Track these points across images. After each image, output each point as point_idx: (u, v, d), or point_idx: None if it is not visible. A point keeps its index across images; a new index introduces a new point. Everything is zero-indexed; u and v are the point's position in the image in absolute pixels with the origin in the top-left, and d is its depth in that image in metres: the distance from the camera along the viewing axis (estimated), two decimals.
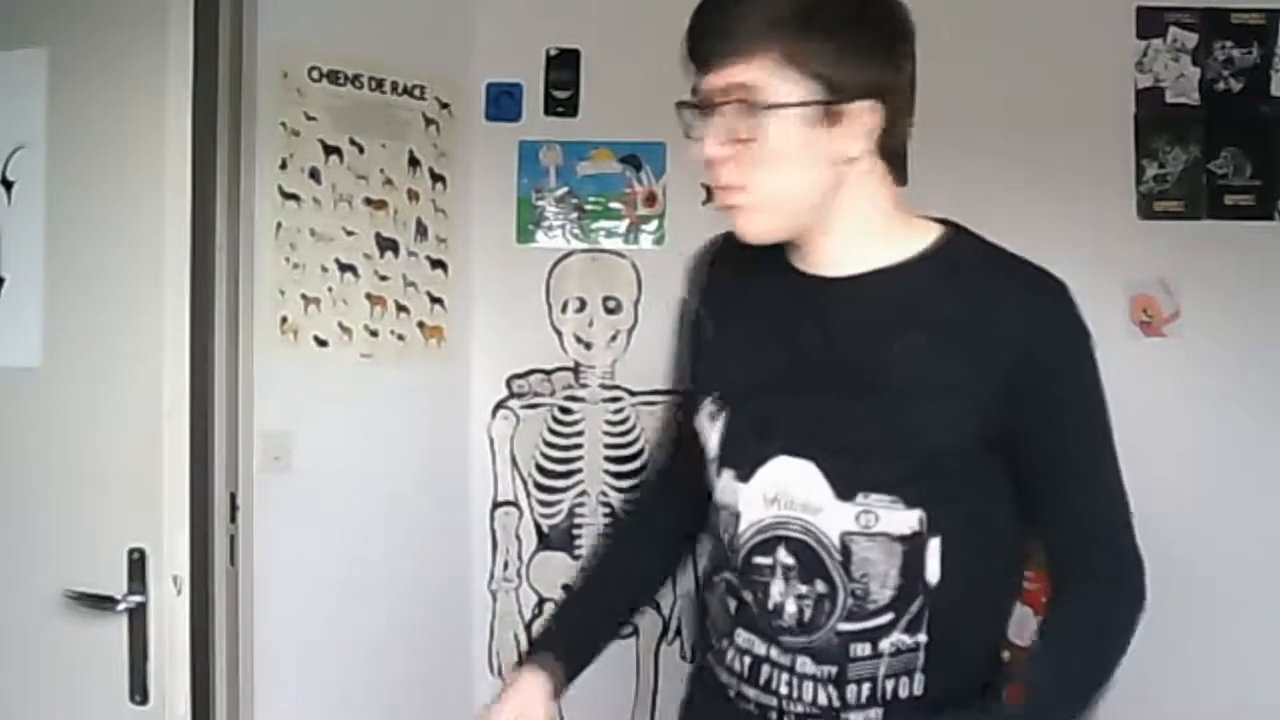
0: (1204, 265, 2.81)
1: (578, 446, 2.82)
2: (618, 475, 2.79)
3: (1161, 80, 2.84)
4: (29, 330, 1.91)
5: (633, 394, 2.79)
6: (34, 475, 1.90)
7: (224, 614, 2.40)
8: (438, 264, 2.71)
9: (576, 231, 2.84)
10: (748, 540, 1.33)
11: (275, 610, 2.38)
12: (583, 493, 2.82)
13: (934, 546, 1.29)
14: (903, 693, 1.30)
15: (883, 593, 1.29)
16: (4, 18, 1.93)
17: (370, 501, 2.55)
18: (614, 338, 2.83)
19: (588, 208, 2.83)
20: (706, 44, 1.25)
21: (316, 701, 2.44)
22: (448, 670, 2.76)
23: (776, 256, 1.36)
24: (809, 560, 1.30)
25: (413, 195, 2.66)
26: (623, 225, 2.83)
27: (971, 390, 1.26)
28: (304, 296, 2.46)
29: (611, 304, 2.83)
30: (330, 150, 2.51)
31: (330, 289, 2.51)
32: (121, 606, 1.77)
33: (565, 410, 2.82)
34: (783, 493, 1.31)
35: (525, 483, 2.83)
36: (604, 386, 2.82)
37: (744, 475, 1.34)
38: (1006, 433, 1.28)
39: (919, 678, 1.31)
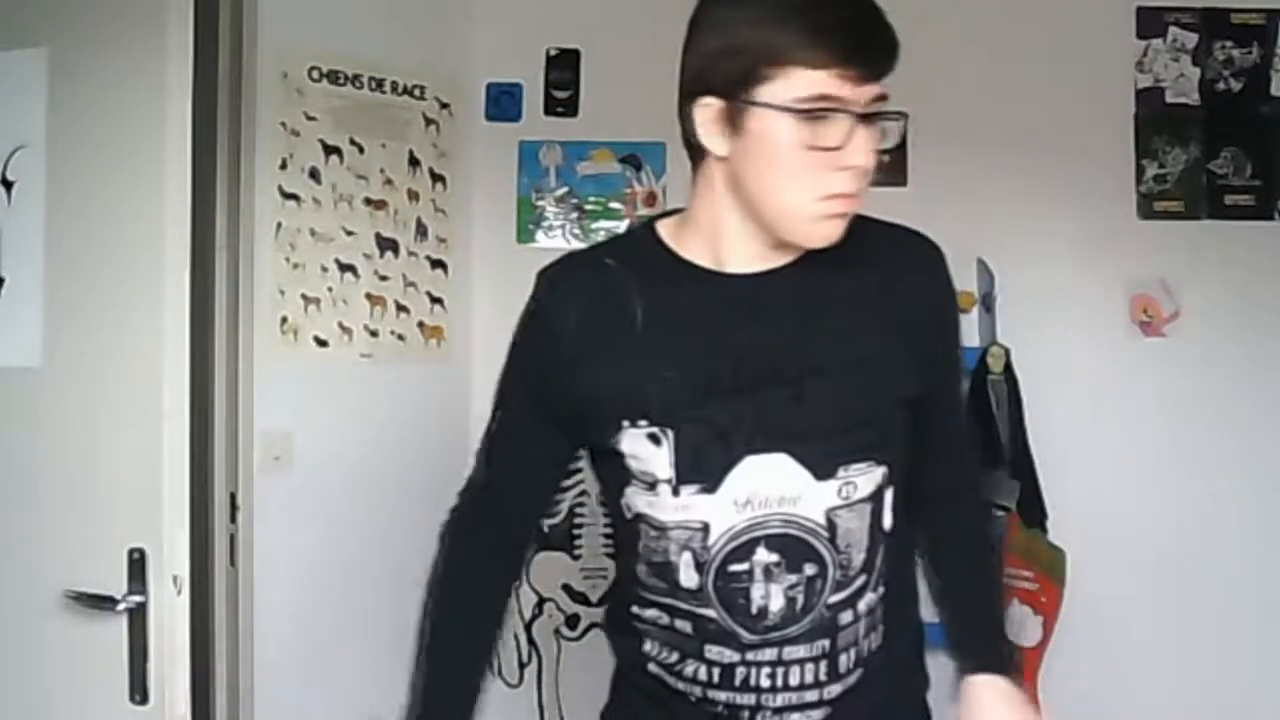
0: (1204, 265, 2.81)
1: None
2: None
3: (1161, 80, 2.84)
4: (29, 330, 1.90)
5: None
6: (34, 475, 1.90)
7: (224, 614, 2.40)
8: (438, 264, 2.71)
9: (576, 231, 2.84)
10: (720, 550, 1.32)
11: (275, 610, 2.38)
12: (583, 493, 2.81)
13: (889, 496, 1.36)
14: (873, 647, 1.37)
15: (859, 556, 1.34)
16: (4, 18, 1.93)
17: (370, 501, 2.55)
18: None
19: (588, 208, 2.84)
20: (879, 53, 1.24)
21: (316, 701, 2.44)
22: None
23: (665, 262, 1.36)
24: (794, 549, 1.31)
25: (413, 195, 2.66)
26: (623, 225, 2.83)
27: (896, 355, 1.34)
28: (304, 296, 2.46)
29: None
30: (330, 150, 2.51)
31: (330, 289, 2.51)
32: (121, 606, 1.77)
33: None
34: (755, 493, 1.31)
35: None
36: None
37: (710, 486, 1.31)
38: (923, 381, 1.38)
39: (879, 629, 1.38)
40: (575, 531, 2.81)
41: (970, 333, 2.75)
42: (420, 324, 2.68)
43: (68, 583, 1.81)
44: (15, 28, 1.92)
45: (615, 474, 1.39)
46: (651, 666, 1.42)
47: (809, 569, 1.31)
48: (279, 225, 2.43)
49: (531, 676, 2.82)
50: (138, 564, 1.77)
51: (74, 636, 1.82)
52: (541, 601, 2.82)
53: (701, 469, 1.31)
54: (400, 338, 2.64)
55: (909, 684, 1.46)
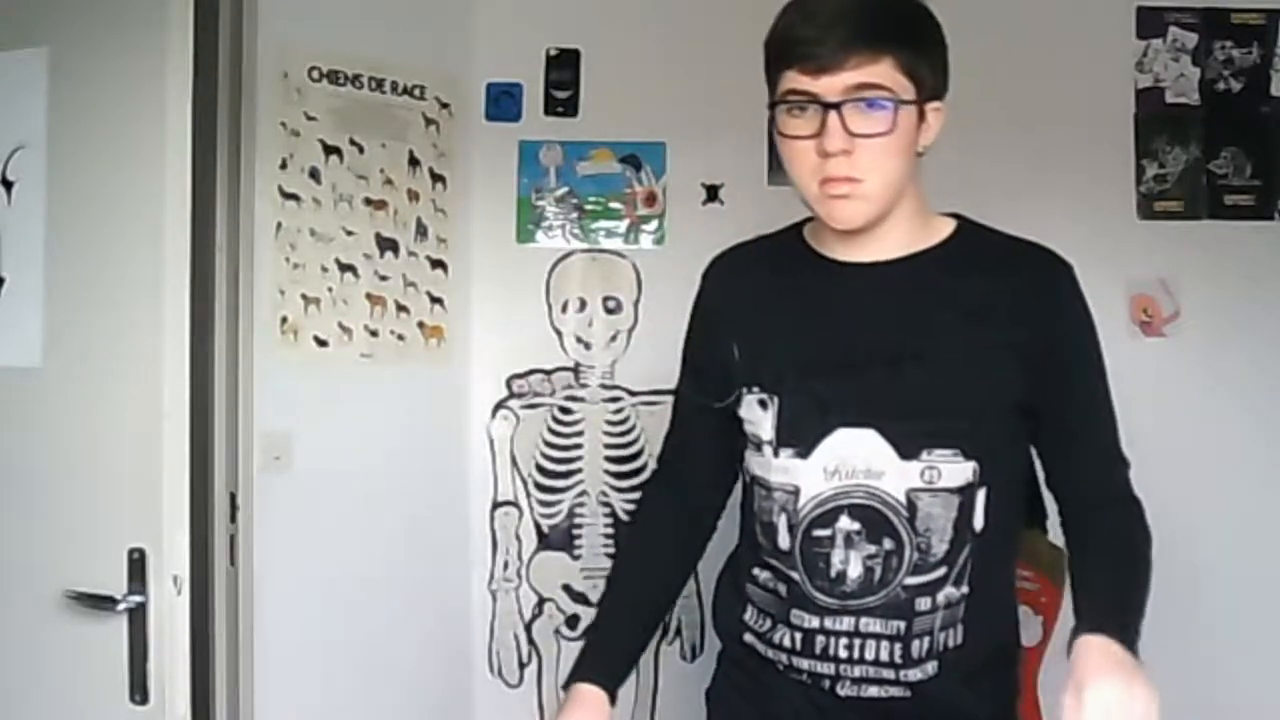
0: (1204, 265, 2.81)
1: (578, 447, 2.82)
2: (618, 475, 2.79)
3: (1161, 80, 2.84)
4: (29, 330, 1.90)
5: (633, 394, 2.79)
6: (34, 475, 1.90)
7: (224, 614, 2.40)
8: (438, 264, 2.71)
9: (576, 231, 2.84)
10: (807, 514, 1.43)
11: (275, 610, 2.38)
12: (583, 493, 2.82)
13: (981, 496, 1.43)
14: (951, 643, 1.43)
15: (940, 545, 1.41)
16: (4, 18, 1.93)
17: (370, 501, 2.55)
18: (614, 338, 2.83)
19: (588, 208, 2.83)
20: (829, 48, 1.34)
21: (316, 701, 2.44)
22: (448, 670, 2.76)
23: (798, 253, 1.53)
24: (875, 521, 1.41)
25: (413, 195, 2.66)
26: (623, 225, 2.83)
27: (998, 360, 1.41)
28: (304, 296, 2.46)
29: (611, 304, 2.83)
30: (330, 150, 2.51)
31: (330, 289, 2.51)
32: (121, 606, 1.77)
33: (565, 410, 2.82)
34: (843, 463, 1.41)
35: (525, 483, 2.83)
36: (604, 386, 2.82)
37: (803, 452, 1.43)
38: (1036, 394, 1.44)
39: (959, 628, 1.44)
40: (575, 531, 2.82)
41: None
42: (420, 324, 2.68)
43: (68, 583, 1.81)
44: (15, 27, 1.92)
45: (740, 438, 1.52)
46: (747, 636, 1.54)
47: (887, 543, 1.40)
48: (279, 225, 2.43)
49: (531, 676, 2.82)
50: (138, 564, 1.77)
51: (74, 636, 1.82)
52: (541, 601, 2.82)
53: (798, 435, 1.44)
54: (400, 338, 2.64)
55: (989, 699, 1.49)
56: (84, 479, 1.85)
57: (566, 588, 2.83)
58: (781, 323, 1.50)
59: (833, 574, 1.42)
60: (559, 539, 2.82)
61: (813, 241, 1.53)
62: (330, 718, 2.46)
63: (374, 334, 2.58)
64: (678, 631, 2.80)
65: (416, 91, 2.68)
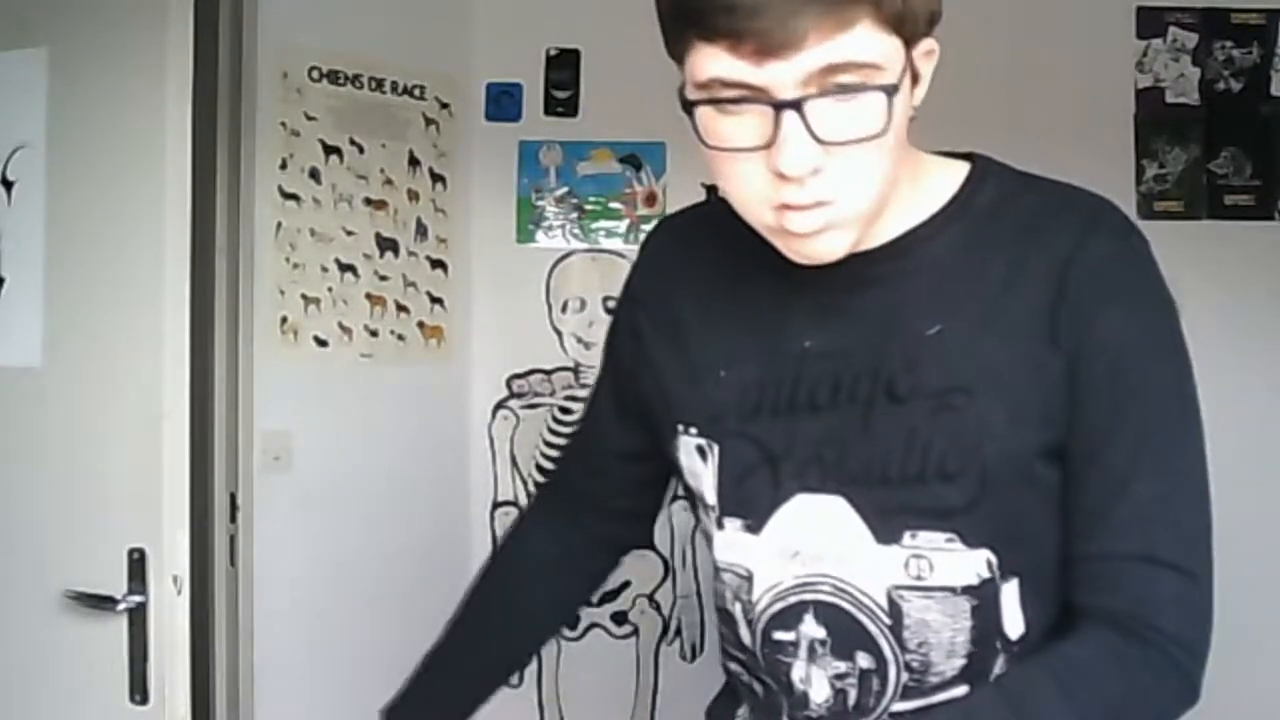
0: (1204, 265, 2.81)
1: None
2: None
3: (1161, 80, 2.84)
4: (29, 330, 1.90)
5: None
6: (34, 475, 1.90)
7: (224, 614, 2.40)
8: (438, 264, 2.71)
9: (576, 231, 2.84)
10: (764, 610, 1.03)
11: (275, 610, 2.38)
12: None
13: (1010, 592, 0.98)
14: None
15: (950, 662, 0.99)
16: (4, 18, 1.93)
17: (370, 501, 2.55)
18: None
19: (588, 208, 2.83)
20: (775, 17, 0.82)
21: (316, 701, 2.44)
22: None
23: (752, 238, 0.98)
24: (845, 629, 1.00)
25: (413, 195, 2.66)
26: (623, 225, 2.83)
27: (1027, 384, 0.95)
28: (304, 296, 2.46)
29: (611, 304, 2.82)
30: (330, 150, 2.51)
31: (330, 289, 2.51)
32: (121, 606, 1.77)
33: (565, 410, 2.82)
34: (807, 544, 1.00)
35: (525, 483, 2.83)
36: None
37: (754, 526, 1.03)
38: (1069, 431, 0.96)
39: None
40: None
41: None
42: (420, 324, 2.68)
43: (68, 583, 1.81)
44: (15, 28, 1.92)
45: (686, 492, 1.12)
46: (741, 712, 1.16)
47: (863, 660, 1.00)
48: (279, 225, 2.43)
49: (531, 677, 2.82)
50: (138, 564, 1.77)
51: (74, 636, 1.82)
52: None
53: (746, 501, 1.04)
54: (400, 338, 2.64)
55: None
56: (84, 479, 1.85)
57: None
58: (725, 336, 1.06)
59: (795, 692, 1.03)
60: None
61: None
62: (329, 717, 2.46)
63: (374, 334, 2.58)
64: (678, 631, 2.80)
65: (416, 91, 2.68)
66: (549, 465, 2.82)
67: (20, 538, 1.90)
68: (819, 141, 0.86)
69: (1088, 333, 0.95)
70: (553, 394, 2.83)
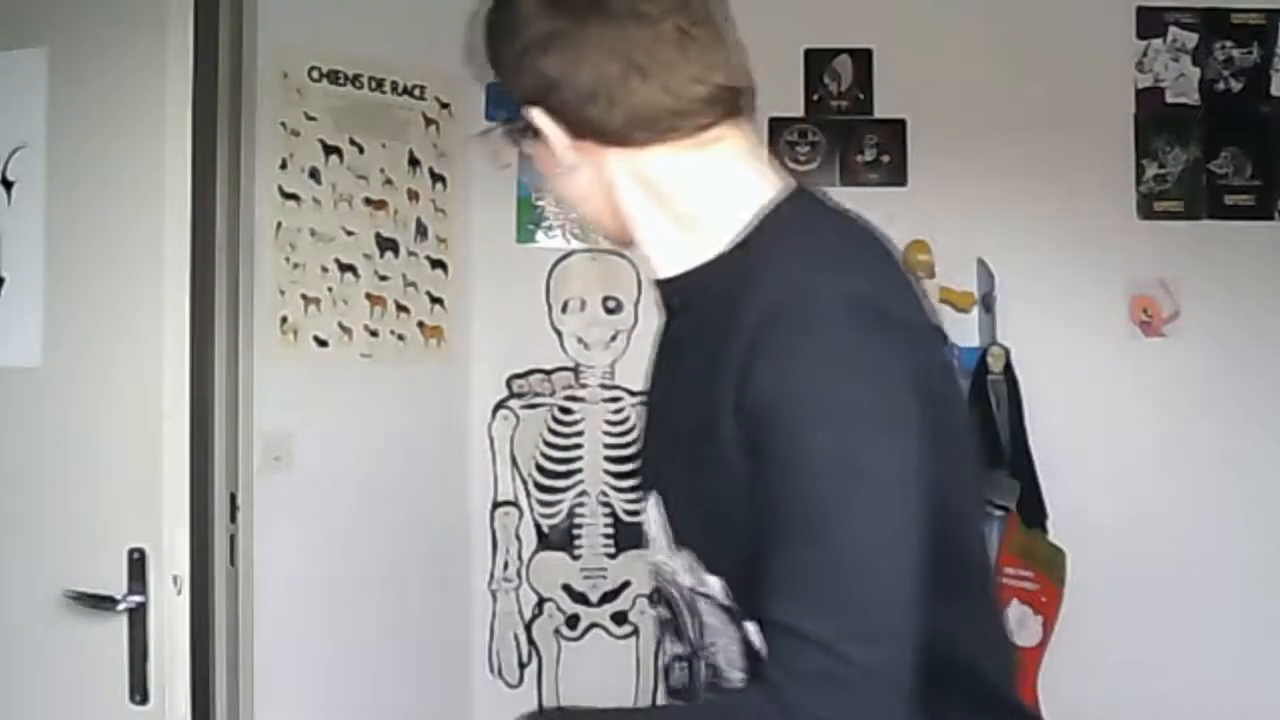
0: (1204, 265, 2.81)
1: (578, 446, 2.82)
2: (618, 475, 2.79)
3: (1161, 80, 2.84)
4: (29, 330, 1.90)
5: (633, 394, 2.79)
6: (34, 475, 1.90)
7: (224, 614, 2.40)
8: (438, 264, 2.71)
9: (576, 231, 2.84)
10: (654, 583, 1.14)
11: (275, 610, 2.38)
12: (583, 493, 2.82)
13: (753, 632, 0.96)
14: None
15: (732, 673, 1.01)
16: (4, 18, 1.93)
17: (370, 501, 2.55)
18: (614, 338, 2.83)
19: None
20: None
21: (316, 701, 2.44)
22: (448, 670, 2.76)
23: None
24: (674, 613, 1.08)
25: (413, 195, 2.66)
26: None
27: (726, 429, 0.93)
28: (304, 296, 2.46)
29: (611, 304, 2.83)
30: (330, 150, 2.51)
31: (330, 289, 2.51)
32: (121, 606, 1.76)
33: (565, 410, 2.82)
34: (654, 533, 1.08)
35: (525, 483, 2.83)
36: (604, 386, 2.82)
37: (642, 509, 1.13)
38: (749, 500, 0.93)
39: None
40: (575, 531, 2.82)
41: (970, 333, 2.75)
42: (420, 324, 2.68)
43: (68, 583, 1.81)
44: (15, 28, 1.92)
45: None
46: None
47: (677, 646, 1.08)
48: (279, 225, 2.43)
49: (531, 677, 2.82)
50: (138, 564, 1.77)
51: (74, 636, 1.82)
52: (541, 601, 2.82)
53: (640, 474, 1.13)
54: (400, 338, 2.64)
55: None
56: (84, 479, 1.85)
57: (566, 588, 2.83)
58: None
59: (661, 666, 1.14)
60: (559, 539, 2.82)
61: None
62: (330, 717, 2.46)
63: (374, 334, 2.58)
64: None
65: (416, 91, 2.68)
66: (549, 465, 2.82)
67: (20, 538, 1.90)
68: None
69: (744, 395, 0.92)
70: (553, 394, 2.83)
